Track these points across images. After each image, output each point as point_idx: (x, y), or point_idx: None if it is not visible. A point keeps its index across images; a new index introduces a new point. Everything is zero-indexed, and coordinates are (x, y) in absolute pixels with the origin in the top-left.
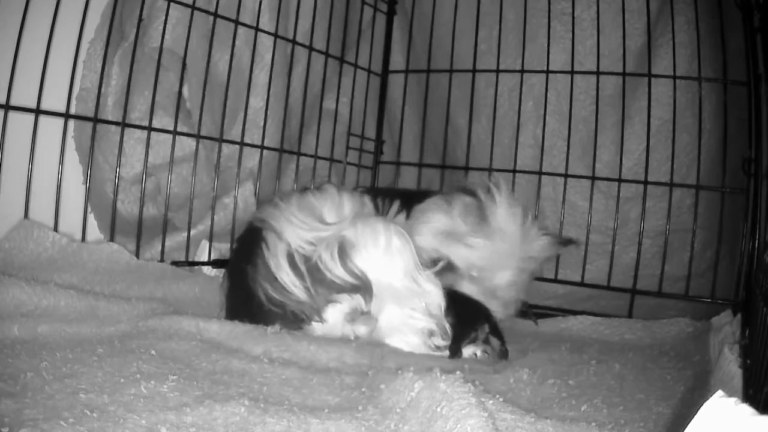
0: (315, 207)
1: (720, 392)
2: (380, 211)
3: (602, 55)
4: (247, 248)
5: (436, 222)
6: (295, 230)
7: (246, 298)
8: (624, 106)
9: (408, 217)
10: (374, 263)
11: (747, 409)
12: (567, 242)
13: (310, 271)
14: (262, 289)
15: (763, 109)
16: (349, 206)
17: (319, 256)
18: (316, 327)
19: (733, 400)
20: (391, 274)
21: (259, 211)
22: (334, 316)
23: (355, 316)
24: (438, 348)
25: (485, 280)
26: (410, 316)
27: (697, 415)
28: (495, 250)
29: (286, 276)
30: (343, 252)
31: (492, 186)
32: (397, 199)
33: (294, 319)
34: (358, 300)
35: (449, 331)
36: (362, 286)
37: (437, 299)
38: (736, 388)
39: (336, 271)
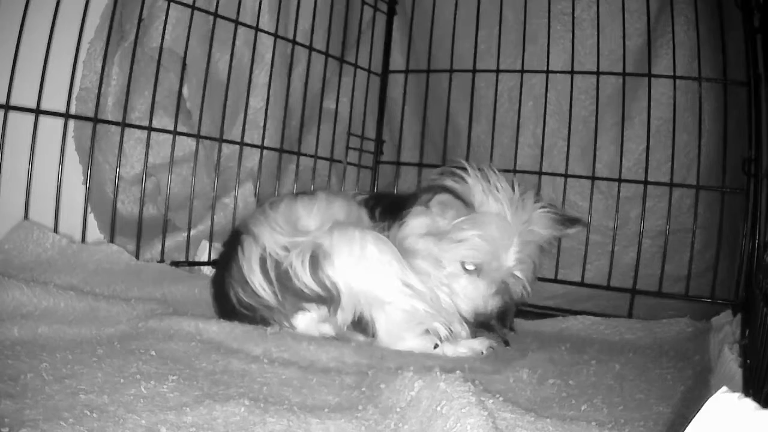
0: (300, 213)
1: (724, 388)
2: (375, 219)
3: (602, 55)
4: (227, 251)
5: (417, 228)
6: (273, 235)
7: (224, 300)
8: (624, 107)
9: (400, 225)
10: (349, 272)
11: (750, 404)
12: (573, 221)
13: (279, 277)
14: (234, 291)
15: (763, 109)
16: (337, 213)
17: (290, 263)
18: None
19: (736, 395)
20: (369, 282)
21: (249, 216)
22: (305, 323)
23: (341, 326)
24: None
25: (491, 269)
26: (407, 320)
27: (701, 410)
28: (484, 233)
29: (257, 280)
30: (315, 261)
31: (461, 173)
32: (390, 206)
33: (264, 324)
34: (324, 311)
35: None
36: (328, 298)
37: (432, 299)
38: (736, 387)
39: (304, 279)
